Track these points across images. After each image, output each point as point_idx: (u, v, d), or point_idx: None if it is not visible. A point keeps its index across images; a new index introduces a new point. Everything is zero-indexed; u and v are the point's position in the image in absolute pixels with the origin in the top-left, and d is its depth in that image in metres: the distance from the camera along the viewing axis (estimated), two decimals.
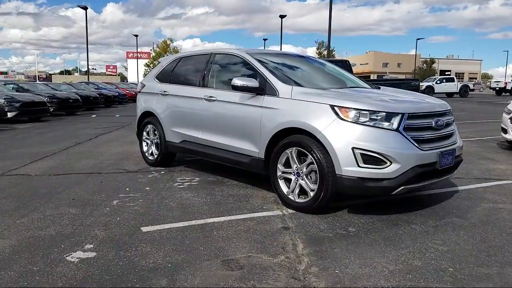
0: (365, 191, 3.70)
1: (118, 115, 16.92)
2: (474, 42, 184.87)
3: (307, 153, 3.85)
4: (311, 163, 3.85)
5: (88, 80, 36.07)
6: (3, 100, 12.83)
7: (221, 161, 4.98)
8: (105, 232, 3.43)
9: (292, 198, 4.05)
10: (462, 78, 72.98)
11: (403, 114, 3.70)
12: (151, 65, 63.58)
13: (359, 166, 3.60)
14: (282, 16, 40.04)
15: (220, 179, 5.36)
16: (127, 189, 4.85)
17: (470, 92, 39.81)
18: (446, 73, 68.83)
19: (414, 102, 4.14)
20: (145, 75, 62.53)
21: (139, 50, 69.16)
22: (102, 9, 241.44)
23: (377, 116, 3.69)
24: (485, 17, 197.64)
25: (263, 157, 4.32)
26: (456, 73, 71.12)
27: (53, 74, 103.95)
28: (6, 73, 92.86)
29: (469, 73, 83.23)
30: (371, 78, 50.87)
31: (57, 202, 4.31)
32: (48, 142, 8.79)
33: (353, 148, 3.61)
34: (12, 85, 17.11)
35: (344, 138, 3.64)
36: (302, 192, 4.02)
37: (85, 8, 34.18)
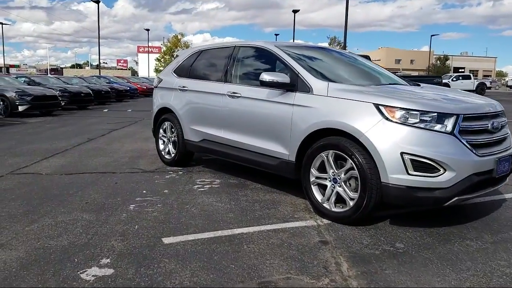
0: (415, 202, 3.28)
1: (130, 110, 16.62)
2: (487, 39, 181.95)
3: (347, 157, 3.45)
4: (351, 168, 3.45)
5: (100, 74, 35.88)
6: (14, 94, 12.57)
7: (245, 163, 4.60)
8: (123, 244, 3.06)
9: (328, 207, 3.65)
10: (477, 76, 71.75)
11: (458, 115, 3.28)
12: (162, 60, 63.45)
13: (408, 173, 3.19)
14: (295, 11, 39.51)
15: (242, 181, 4.98)
16: (144, 191, 4.49)
17: (486, 90, 38.95)
18: (460, 70, 67.68)
19: (467, 101, 3.70)
20: (156, 69, 62.91)
21: (150, 44, 69.05)
22: (113, 4, 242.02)
23: (428, 117, 3.27)
24: (498, 14, 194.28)
25: (294, 160, 3.93)
26: (470, 70, 69.83)
27: (64, 67, 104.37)
28: (18, 66, 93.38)
29: (483, 70, 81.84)
30: None
31: (70, 205, 3.96)
32: (60, 138, 8.48)
33: (402, 153, 3.19)
34: (23, 78, 16.89)
35: (392, 141, 3.23)
36: (339, 200, 3.62)
37: (98, 2, 33.94)
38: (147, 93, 29.66)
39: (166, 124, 5.82)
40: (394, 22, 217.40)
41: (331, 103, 3.64)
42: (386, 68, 5.80)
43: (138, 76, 59.70)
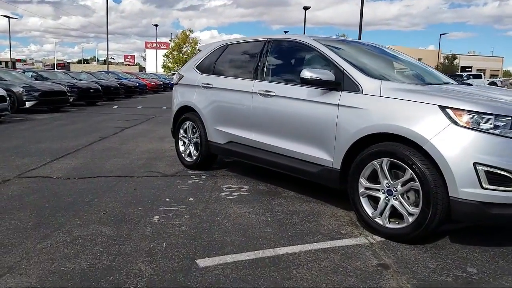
0: (488, 219, 2.82)
1: (140, 107, 16.21)
2: (493, 38, 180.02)
3: (406, 167, 2.99)
4: (411, 179, 2.99)
5: (108, 69, 35.53)
6: (22, 89, 12.18)
7: (278, 169, 4.14)
8: (151, 267, 2.62)
9: (380, 222, 3.19)
10: (484, 75, 70.81)
11: None
12: (170, 56, 63.00)
13: (482, 187, 2.73)
14: (306, 8, 38.92)
15: (272, 188, 4.53)
16: (167, 199, 4.05)
17: None
18: (467, 69, 66.79)
19: None
20: (163, 65, 62.46)
21: (157, 40, 68.61)
22: None
23: (503, 121, 2.81)
24: (504, 14, 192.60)
25: (339, 167, 3.47)
26: (477, 69, 68.81)
27: (70, 62, 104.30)
28: (24, 60, 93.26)
29: (490, 70, 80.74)
30: None
31: (86, 216, 3.52)
32: (70, 136, 8.06)
33: (475, 164, 2.73)
34: (31, 73, 16.52)
35: (463, 150, 2.77)
36: (394, 214, 3.16)
37: None
38: (156, 89, 29.31)
39: (187, 124, 5.37)
40: (401, 21, 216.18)
41: (387, 105, 3.18)
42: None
43: (145, 72, 59.31)
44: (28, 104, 12.17)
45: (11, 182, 4.62)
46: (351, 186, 3.37)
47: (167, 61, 64.02)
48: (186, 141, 5.46)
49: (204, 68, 5.29)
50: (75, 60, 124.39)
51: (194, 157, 5.29)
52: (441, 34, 57.55)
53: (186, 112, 5.40)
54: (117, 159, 5.94)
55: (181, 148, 5.55)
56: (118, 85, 20.46)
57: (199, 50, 5.74)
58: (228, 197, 4.16)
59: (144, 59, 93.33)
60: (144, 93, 26.16)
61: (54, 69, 52.71)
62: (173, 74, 53.14)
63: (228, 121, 4.71)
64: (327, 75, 3.51)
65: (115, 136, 8.21)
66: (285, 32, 55.32)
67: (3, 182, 4.59)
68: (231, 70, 4.94)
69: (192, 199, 4.09)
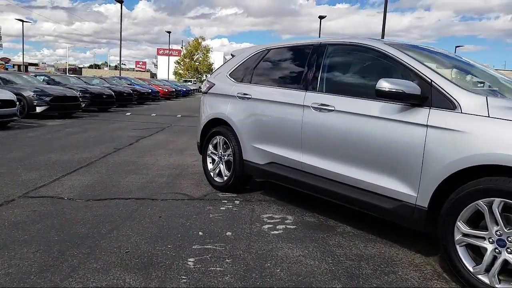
0: None
1: (154, 114, 15.58)
2: (505, 52, 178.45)
3: None
4: None
5: (120, 75, 35.14)
6: (33, 93, 11.61)
7: (337, 200, 3.41)
8: None
9: (487, 281, 2.46)
10: None
11: None
12: (181, 63, 62.78)
13: None
14: (321, 17, 38.36)
15: (322, 220, 3.79)
16: (200, 233, 3.33)
17: None
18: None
19: None
20: (175, 72, 62.34)
21: (169, 47, 68.49)
22: (134, 6, 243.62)
23: None
24: None
25: (426, 205, 2.73)
26: None
27: (82, 67, 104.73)
28: (37, 64, 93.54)
29: None
30: None
31: (104, 257, 2.81)
32: (82, 146, 7.39)
33: None
34: (43, 77, 15.99)
35: None
36: (505, 270, 2.41)
37: (121, 2, 33.23)
38: (169, 96, 28.80)
39: (218, 139, 4.67)
40: (412, 33, 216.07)
41: (499, 128, 2.44)
42: None
43: (156, 78, 59.05)
44: (38, 109, 11.58)
45: (15, 203, 3.93)
46: (444, 230, 2.62)
47: (178, 68, 63.78)
48: (216, 158, 4.75)
49: (240, 76, 4.61)
50: (87, 65, 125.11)
51: (226, 178, 4.58)
52: (456, 46, 56.72)
53: (217, 126, 4.70)
54: (135, 176, 5.24)
55: (210, 166, 4.84)
56: (131, 91, 19.90)
57: (232, 55, 5.03)
58: (272, 232, 3.43)
59: (155, 65, 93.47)
60: (156, 100, 25.63)
61: (66, 74, 52.60)
62: (185, 81, 52.90)
63: (270, 139, 4.00)
64: (411, 87, 2.78)
65: (131, 148, 7.53)
66: None
67: (6, 204, 3.91)
68: (274, 78, 4.25)
69: (230, 233, 3.36)
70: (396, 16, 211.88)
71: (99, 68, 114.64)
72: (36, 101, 11.53)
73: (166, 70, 64.88)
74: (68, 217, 3.60)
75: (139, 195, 4.39)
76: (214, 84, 4.89)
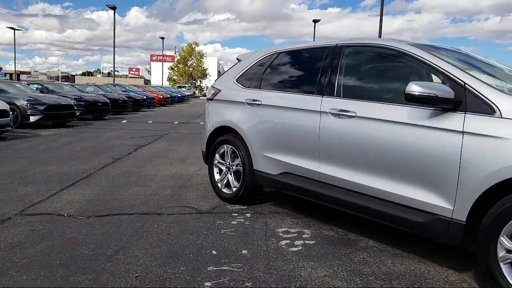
0: None
1: (151, 121, 15.30)
2: (495, 53, 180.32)
3: None
4: None
5: (114, 81, 34.81)
6: (26, 102, 11.30)
7: (360, 213, 3.17)
8: None
9: None
10: None
11: None
12: (175, 69, 62.50)
13: None
14: (315, 21, 38.31)
15: (342, 234, 3.56)
16: (214, 252, 3.08)
17: None
18: None
19: None
20: (169, 78, 61.99)
21: (161, 53, 68.20)
22: (126, 13, 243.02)
23: None
24: (506, 29, 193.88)
25: (464, 219, 2.50)
26: None
27: (74, 75, 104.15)
28: (29, 73, 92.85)
29: None
30: None
31: (112, 283, 2.57)
32: (79, 156, 7.12)
33: None
34: (36, 85, 15.67)
35: None
36: None
37: (114, 8, 32.96)
38: (163, 102, 28.52)
39: (225, 148, 4.43)
40: (403, 35, 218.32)
41: None
42: None
43: (150, 84, 58.68)
44: (32, 118, 11.27)
45: (12, 222, 3.66)
46: (485, 246, 2.40)
47: (172, 74, 63.49)
48: (224, 168, 4.51)
49: (248, 81, 4.38)
50: (79, 72, 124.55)
51: (235, 189, 4.33)
52: None
53: (224, 134, 4.46)
54: (137, 188, 4.98)
55: (217, 176, 4.60)
56: (126, 98, 19.61)
57: (238, 60, 4.80)
58: (291, 249, 3.19)
59: (149, 72, 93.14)
60: (151, 106, 25.33)
61: (59, 81, 52.13)
62: (179, 86, 52.57)
63: (283, 147, 3.76)
64: (445, 91, 2.57)
65: (131, 157, 7.26)
66: None
67: (2, 222, 3.64)
68: (285, 83, 4.03)
69: (245, 251, 3.12)
70: (388, 19, 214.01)
71: (91, 75, 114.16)
72: (29, 110, 11.22)
73: (160, 76, 64.57)
74: (70, 236, 3.34)
75: (144, 209, 4.13)
76: (220, 91, 4.65)
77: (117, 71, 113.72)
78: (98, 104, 15.44)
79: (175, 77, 62.73)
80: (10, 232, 3.41)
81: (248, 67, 4.46)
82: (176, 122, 15.15)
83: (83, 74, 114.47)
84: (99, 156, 7.28)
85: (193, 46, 64.58)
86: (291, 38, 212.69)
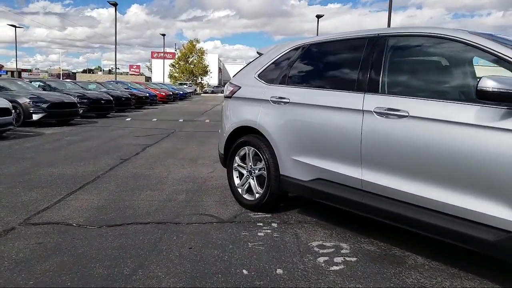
0: None
1: (155, 119, 14.93)
2: None
3: None
4: None
5: (116, 79, 34.42)
6: (29, 100, 10.93)
7: (417, 229, 2.80)
8: None
9: None
10: None
11: None
12: (176, 65, 62.05)
13: None
14: (318, 16, 37.86)
15: (384, 248, 3.19)
16: (245, 271, 2.72)
17: None
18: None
19: None
20: (170, 75, 61.57)
21: (161, 50, 67.85)
22: (126, 11, 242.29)
23: None
24: (508, 24, 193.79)
25: None
26: None
27: (75, 72, 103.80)
28: (30, 70, 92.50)
29: None
30: None
31: None
32: (85, 157, 6.75)
33: None
34: (38, 83, 15.29)
35: None
36: None
37: (115, 5, 32.53)
38: (166, 100, 28.15)
39: (247, 150, 4.06)
40: None
41: None
42: None
43: (151, 81, 58.25)
44: (35, 116, 10.90)
45: (16, 233, 3.30)
46: None
47: (173, 71, 63.03)
48: (244, 172, 4.14)
49: (272, 77, 4.00)
50: (80, 70, 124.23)
51: (258, 195, 3.96)
52: None
53: (245, 135, 4.09)
54: (150, 193, 4.62)
55: (237, 181, 4.23)
56: (129, 96, 19.24)
57: (259, 54, 4.42)
58: (332, 268, 2.82)
59: (149, 69, 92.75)
60: (154, 104, 24.95)
61: (61, 79, 51.72)
62: (180, 83, 52.13)
63: (315, 150, 3.39)
64: None
65: (139, 157, 6.89)
66: None
67: (5, 234, 3.28)
68: (317, 78, 3.65)
69: (280, 271, 2.75)
70: (388, 15, 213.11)
71: (92, 72, 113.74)
72: (32, 109, 10.85)
73: (160, 73, 64.11)
74: (81, 251, 2.97)
75: (160, 218, 3.76)
76: (240, 87, 4.27)
77: (118, 68, 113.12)
78: (102, 102, 15.08)
79: (176, 74, 62.25)
80: (14, 245, 3.05)
81: (271, 62, 4.09)
82: (181, 120, 14.78)
83: (84, 71, 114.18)
84: (106, 156, 6.91)
85: (194, 43, 64.05)
86: (291, 35, 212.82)
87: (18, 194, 4.42)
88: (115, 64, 36.13)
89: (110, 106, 15.54)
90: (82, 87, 17.47)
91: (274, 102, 3.79)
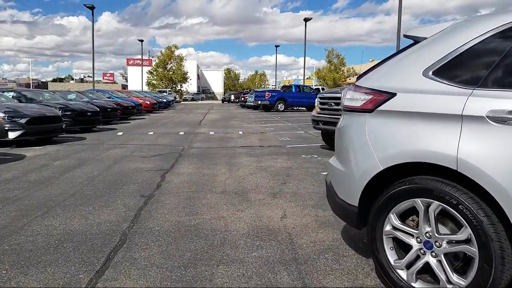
0: None
1: (151, 133, 12.92)
2: None
3: None
4: None
5: (94, 87, 32.02)
6: (3, 115, 8.89)
7: None
8: None
9: None
10: None
11: None
12: (154, 72, 59.65)
13: None
14: (306, 20, 36.48)
15: None
16: None
17: None
18: None
19: None
20: (148, 83, 59.21)
21: (136, 57, 65.43)
22: (97, 18, 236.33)
23: None
24: None
25: None
26: None
27: (45, 81, 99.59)
28: None
29: None
30: None
31: None
32: (90, 195, 4.85)
33: None
34: (12, 93, 13.07)
35: None
36: None
37: (92, 8, 30.23)
38: (151, 109, 26.09)
39: (420, 205, 2.31)
40: (373, 37, 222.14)
41: None
42: None
43: (127, 89, 55.63)
44: (11, 135, 8.83)
45: None
46: None
47: (151, 78, 60.56)
48: (413, 242, 2.37)
49: (471, 74, 2.24)
50: (50, 79, 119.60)
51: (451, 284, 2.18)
52: None
53: (410, 175, 2.33)
54: (225, 270, 2.78)
55: (391, 256, 2.48)
56: (115, 106, 17.15)
57: (414, 40, 2.68)
58: None
59: (124, 77, 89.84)
60: (139, 114, 22.81)
61: (30, 89, 48.57)
62: (160, 91, 49.57)
63: None
64: None
65: (165, 192, 5.03)
66: (277, 46, 52.51)
67: None
68: None
69: None
70: (358, 21, 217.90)
71: (62, 81, 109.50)
72: (8, 125, 8.78)
73: (136, 81, 61.48)
74: None
75: None
76: (393, 95, 2.51)
77: (90, 76, 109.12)
78: (88, 114, 13.03)
79: (154, 82, 59.77)
80: None
81: (461, 50, 2.33)
82: (182, 133, 12.85)
83: (54, 80, 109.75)
84: (118, 192, 5.01)
85: (173, 49, 61.77)
86: (264, 41, 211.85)
87: (2, 278, 2.51)
88: (93, 71, 33.40)
89: (97, 119, 13.49)
90: (62, 97, 15.29)
91: (498, 121, 2.03)
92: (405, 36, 2.80)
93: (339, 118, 8.01)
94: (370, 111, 2.64)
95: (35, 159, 7.52)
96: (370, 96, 2.66)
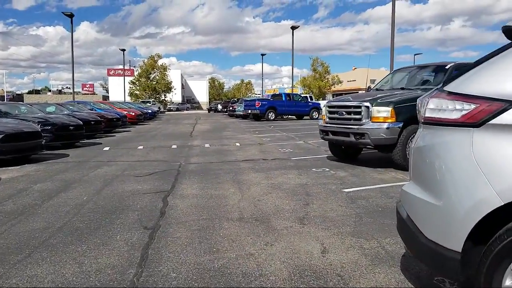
0: None
1: (141, 147, 12.03)
2: (438, 59, 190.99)
3: None
4: None
5: (74, 98, 30.83)
6: None
7: None
8: None
9: None
10: None
11: None
12: (137, 82, 58.45)
13: None
14: (293, 28, 36.05)
15: None
16: None
17: None
18: None
19: None
20: (131, 93, 57.91)
21: (118, 67, 64.11)
22: (75, 28, 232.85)
23: None
24: (446, 37, 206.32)
25: None
26: None
27: (20, 94, 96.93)
28: None
29: None
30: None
31: None
32: (81, 228, 4.03)
33: None
34: None
35: None
36: None
37: (71, 16, 29.16)
38: (136, 120, 25.10)
39: None
40: (353, 45, 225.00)
41: None
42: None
43: (109, 100, 54.30)
44: None
45: None
46: None
47: (134, 88, 59.31)
48: None
49: None
50: (25, 91, 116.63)
51: None
52: (415, 54, 56.12)
53: None
54: None
55: None
56: (99, 118, 16.19)
57: None
58: None
59: (104, 87, 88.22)
60: (124, 126, 21.84)
61: (5, 101, 46.86)
62: (143, 101, 48.45)
63: None
64: None
65: (171, 222, 4.24)
66: (263, 55, 51.93)
67: None
68: None
69: None
70: (338, 30, 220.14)
71: (39, 93, 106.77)
72: None
73: (118, 91, 60.19)
74: None
75: None
76: (509, 103, 1.79)
77: (68, 87, 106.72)
78: (70, 128, 12.06)
79: (137, 92, 58.54)
80: None
81: None
82: (175, 147, 12.02)
83: (30, 92, 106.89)
84: (116, 223, 4.20)
85: (156, 58, 60.72)
86: (247, 51, 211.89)
87: None
88: (73, 82, 32.00)
89: (80, 133, 12.53)
90: (40, 110, 14.27)
91: None
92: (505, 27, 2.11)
93: (351, 128, 7.05)
94: (476, 125, 1.93)
95: (11, 183, 6.61)
96: (474, 106, 1.95)
